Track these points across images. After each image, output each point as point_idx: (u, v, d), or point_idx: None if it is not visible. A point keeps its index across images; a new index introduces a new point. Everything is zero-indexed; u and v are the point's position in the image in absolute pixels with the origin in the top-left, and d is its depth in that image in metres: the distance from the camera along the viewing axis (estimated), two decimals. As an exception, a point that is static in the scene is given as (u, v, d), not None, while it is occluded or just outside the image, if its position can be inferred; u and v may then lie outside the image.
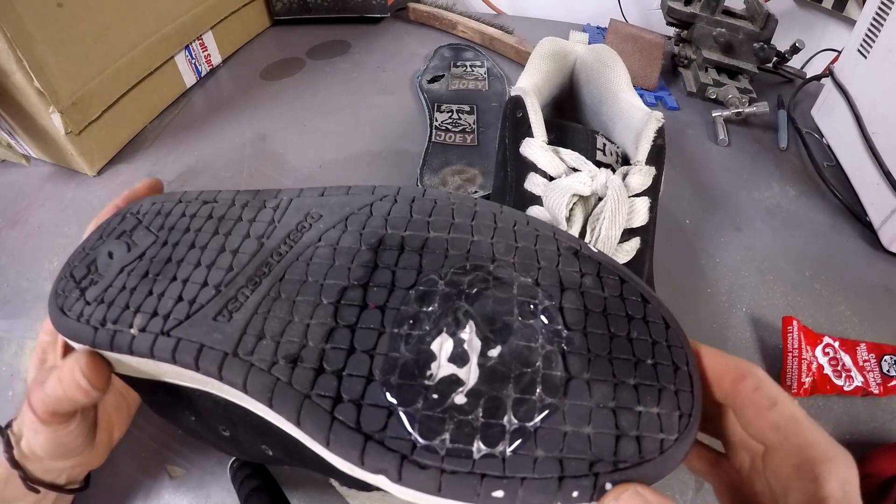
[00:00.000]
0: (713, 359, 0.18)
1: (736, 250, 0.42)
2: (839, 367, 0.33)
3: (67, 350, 0.23)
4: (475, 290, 0.19)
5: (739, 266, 0.41)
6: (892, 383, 0.33)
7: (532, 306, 0.18)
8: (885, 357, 0.34)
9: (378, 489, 0.27)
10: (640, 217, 0.28)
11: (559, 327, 0.18)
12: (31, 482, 0.23)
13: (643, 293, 0.19)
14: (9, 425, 0.24)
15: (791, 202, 0.47)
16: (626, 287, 0.20)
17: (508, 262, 0.20)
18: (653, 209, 0.29)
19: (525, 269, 0.20)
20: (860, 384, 0.33)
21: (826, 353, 0.34)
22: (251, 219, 0.22)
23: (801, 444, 0.16)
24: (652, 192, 0.29)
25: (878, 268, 0.42)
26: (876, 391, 0.33)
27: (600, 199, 0.27)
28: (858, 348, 0.34)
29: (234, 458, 0.29)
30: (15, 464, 0.23)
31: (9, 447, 0.23)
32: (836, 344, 0.34)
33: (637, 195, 0.28)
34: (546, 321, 0.18)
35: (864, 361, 0.34)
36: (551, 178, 0.29)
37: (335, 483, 0.28)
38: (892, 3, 0.43)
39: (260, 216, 0.22)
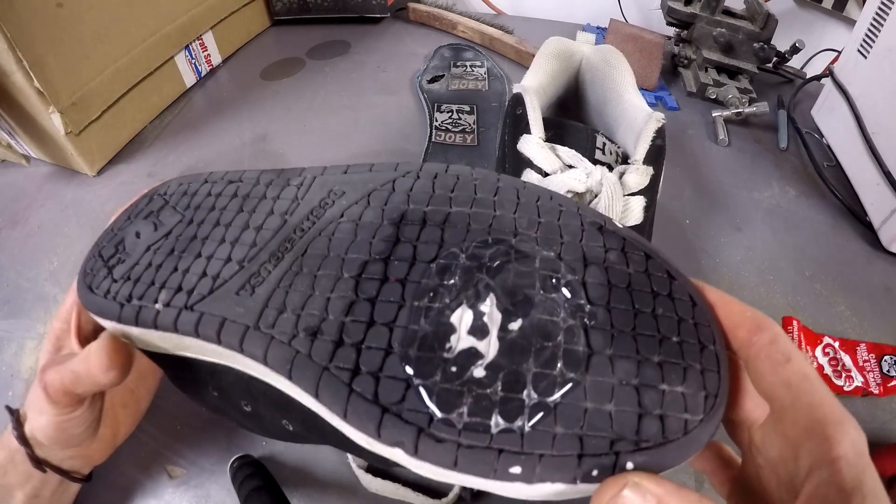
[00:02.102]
0: (729, 307, 0.18)
1: (736, 250, 0.42)
2: (839, 368, 0.33)
3: (83, 338, 0.24)
4: (497, 263, 0.18)
5: (739, 266, 0.41)
6: (892, 383, 0.33)
7: (554, 280, 0.18)
8: (885, 357, 0.34)
9: (394, 481, 0.26)
10: (635, 216, 0.28)
11: (582, 302, 0.18)
12: (38, 461, 0.24)
13: (669, 269, 0.19)
14: (17, 410, 0.24)
15: (791, 202, 0.47)
16: (651, 263, 0.19)
17: (531, 237, 0.19)
18: (648, 209, 0.29)
19: (547, 244, 0.19)
20: (860, 384, 0.33)
21: (826, 354, 0.34)
22: (275, 196, 0.22)
23: (812, 403, 0.15)
24: (648, 191, 0.29)
25: (878, 268, 0.42)
26: (876, 391, 0.33)
27: (595, 196, 0.27)
28: (858, 348, 0.34)
29: (234, 458, 0.29)
30: (24, 441, 0.23)
31: (18, 425, 0.23)
32: (836, 344, 0.34)
33: (632, 194, 0.28)
34: (568, 295, 0.18)
35: (864, 361, 0.34)
36: (546, 175, 0.29)
37: (353, 465, 0.28)
38: (892, 3, 0.43)
39: (284, 194, 0.22)
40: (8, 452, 0.24)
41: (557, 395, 0.16)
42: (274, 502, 0.27)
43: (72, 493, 0.27)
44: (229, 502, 0.28)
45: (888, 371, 0.33)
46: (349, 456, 0.29)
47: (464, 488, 0.28)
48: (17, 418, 0.24)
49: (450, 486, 0.28)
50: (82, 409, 0.23)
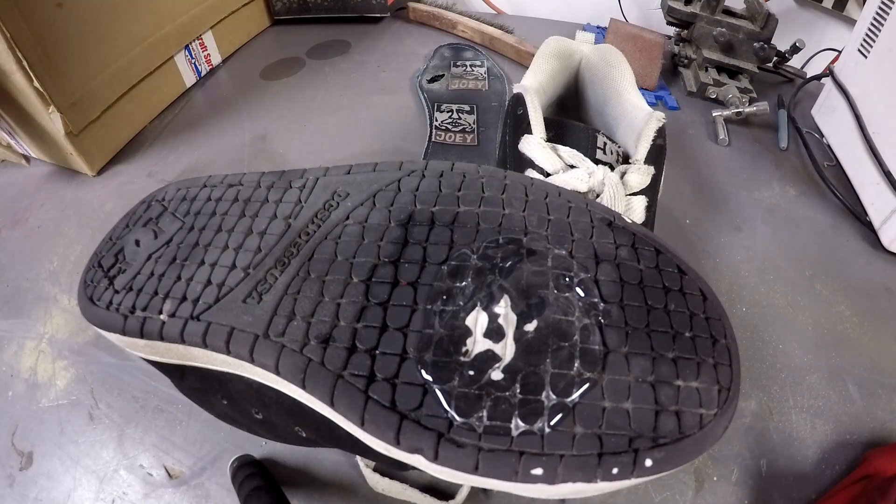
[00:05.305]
0: None
1: (736, 250, 0.42)
2: None
3: None
4: (509, 263, 0.18)
5: (739, 266, 0.41)
6: None
7: (567, 279, 0.18)
8: None
9: (402, 482, 0.26)
10: (637, 215, 0.28)
11: (595, 300, 0.18)
12: None
13: (679, 264, 0.19)
14: None
15: (791, 202, 0.47)
16: (661, 258, 0.19)
17: (541, 235, 0.19)
18: (650, 208, 0.29)
19: (559, 242, 0.19)
20: None
21: None
22: (277, 200, 0.22)
23: None
24: (650, 191, 0.29)
25: (878, 268, 0.42)
26: None
27: (597, 196, 0.27)
28: None
29: (234, 458, 0.29)
30: None
31: None
32: None
33: (634, 193, 0.28)
34: (582, 294, 0.18)
35: None
36: (548, 175, 0.29)
37: (361, 463, 0.28)
38: (893, 3, 0.43)
39: (286, 196, 0.22)
40: None
41: (576, 395, 0.16)
42: (274, 502, 0.27)
43: None
44: (229, 502, 0.28)
45: None
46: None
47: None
48: None
49: (458, 488, 0.28)
50: None
